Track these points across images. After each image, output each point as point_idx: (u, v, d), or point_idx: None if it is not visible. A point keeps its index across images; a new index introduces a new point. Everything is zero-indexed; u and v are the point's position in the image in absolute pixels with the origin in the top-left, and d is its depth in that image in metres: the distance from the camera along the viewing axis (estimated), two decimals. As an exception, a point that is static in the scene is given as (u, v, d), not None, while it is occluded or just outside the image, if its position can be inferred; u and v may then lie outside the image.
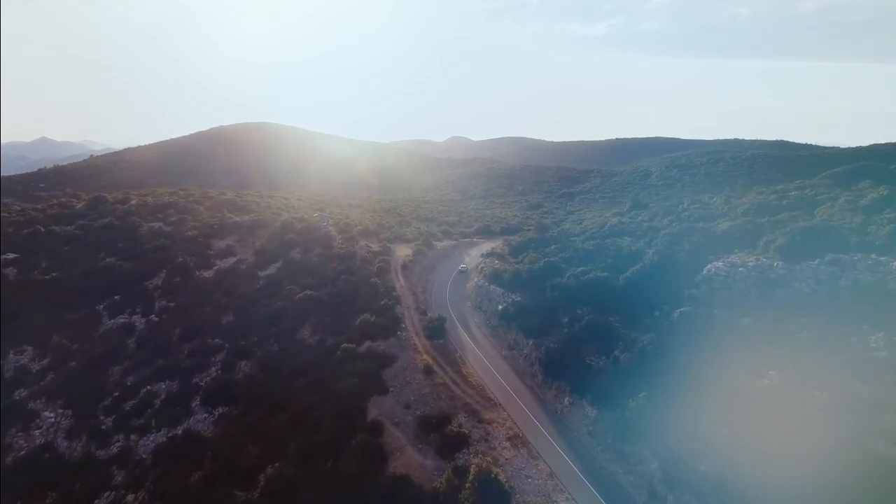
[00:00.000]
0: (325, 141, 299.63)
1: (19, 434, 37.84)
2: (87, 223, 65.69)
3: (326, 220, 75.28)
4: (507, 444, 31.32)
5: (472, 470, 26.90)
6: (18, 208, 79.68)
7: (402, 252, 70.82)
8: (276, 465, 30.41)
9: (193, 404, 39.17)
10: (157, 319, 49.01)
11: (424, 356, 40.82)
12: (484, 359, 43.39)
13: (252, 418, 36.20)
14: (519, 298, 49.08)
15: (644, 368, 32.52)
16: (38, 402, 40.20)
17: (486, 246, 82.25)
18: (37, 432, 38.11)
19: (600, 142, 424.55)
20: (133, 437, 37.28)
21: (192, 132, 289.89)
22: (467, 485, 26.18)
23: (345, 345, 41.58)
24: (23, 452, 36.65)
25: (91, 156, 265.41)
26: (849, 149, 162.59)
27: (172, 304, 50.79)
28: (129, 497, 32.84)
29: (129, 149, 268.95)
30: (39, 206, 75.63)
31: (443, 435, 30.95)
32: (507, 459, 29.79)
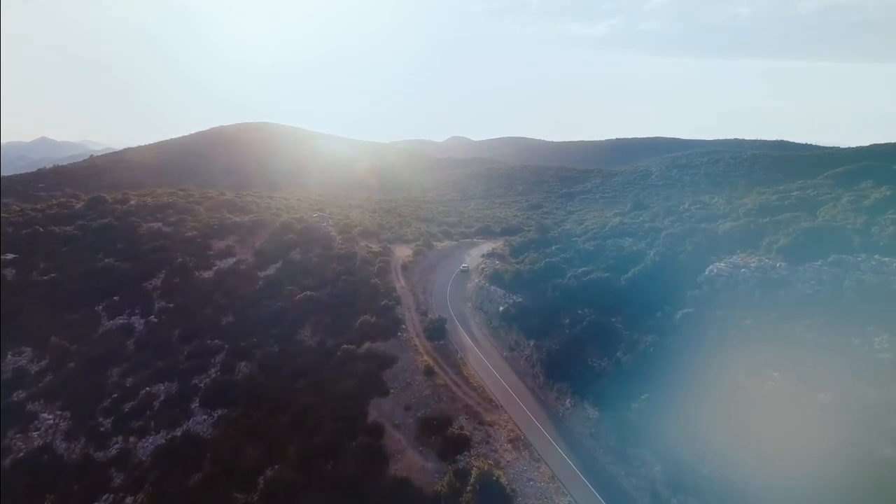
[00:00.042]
0: (325, 141, 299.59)
1: (18, 436, 37.59)
2: (87, 223, 65.43)
3: (326, 221, 75.01)
4: (509, 446, 31.11)
5: (474, 472, 26.68)
6: (18, 208, 79.40)
7: (403, 252, 70.60)
8: (276, 467, 30.20)
9: (193, 406, 38.98)
10: (156, 320, 48.81)
11: (425, 357, 40.60)
12: (485, 360, 43.18)
13: (252, 420, 36.01)
14: (520, 299, 48.86)
15: (646, 370, 32.26)
16: (37, 403, 39.97)
17: (487, 246, 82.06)
18: (35, 434, 37.89)
19: (600, 142, 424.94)
20: (132, 438, 37.09)
21: (192, 132, 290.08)
22: (468, 487, 25.94)
23: (345, 346, 41.33)
24: (21, 454, 36.41)
25: (91, 156, 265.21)
26: (849, 149, 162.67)
27: (172, 305, 50.56)
28: (128, 499, 32.65)
29: (128, 149, 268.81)
30: (38, 207, 75.35)
31: (444, 437, 30.72)
32: (508, 462, 29.58)
